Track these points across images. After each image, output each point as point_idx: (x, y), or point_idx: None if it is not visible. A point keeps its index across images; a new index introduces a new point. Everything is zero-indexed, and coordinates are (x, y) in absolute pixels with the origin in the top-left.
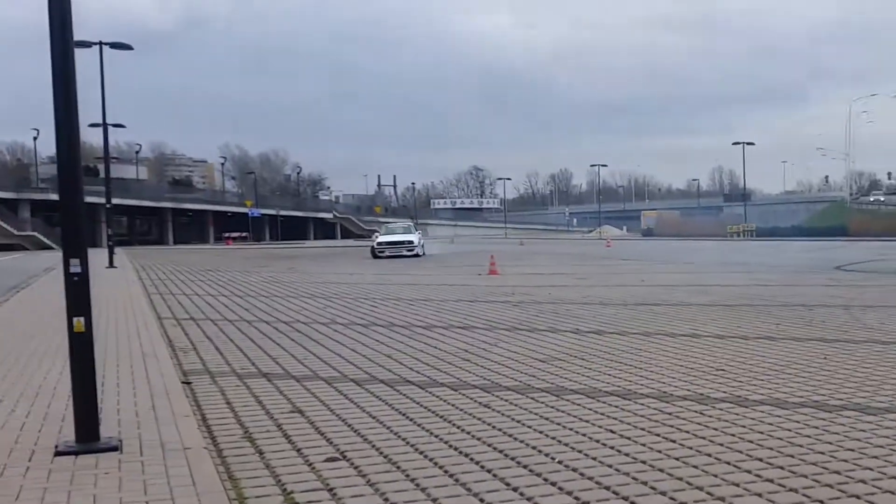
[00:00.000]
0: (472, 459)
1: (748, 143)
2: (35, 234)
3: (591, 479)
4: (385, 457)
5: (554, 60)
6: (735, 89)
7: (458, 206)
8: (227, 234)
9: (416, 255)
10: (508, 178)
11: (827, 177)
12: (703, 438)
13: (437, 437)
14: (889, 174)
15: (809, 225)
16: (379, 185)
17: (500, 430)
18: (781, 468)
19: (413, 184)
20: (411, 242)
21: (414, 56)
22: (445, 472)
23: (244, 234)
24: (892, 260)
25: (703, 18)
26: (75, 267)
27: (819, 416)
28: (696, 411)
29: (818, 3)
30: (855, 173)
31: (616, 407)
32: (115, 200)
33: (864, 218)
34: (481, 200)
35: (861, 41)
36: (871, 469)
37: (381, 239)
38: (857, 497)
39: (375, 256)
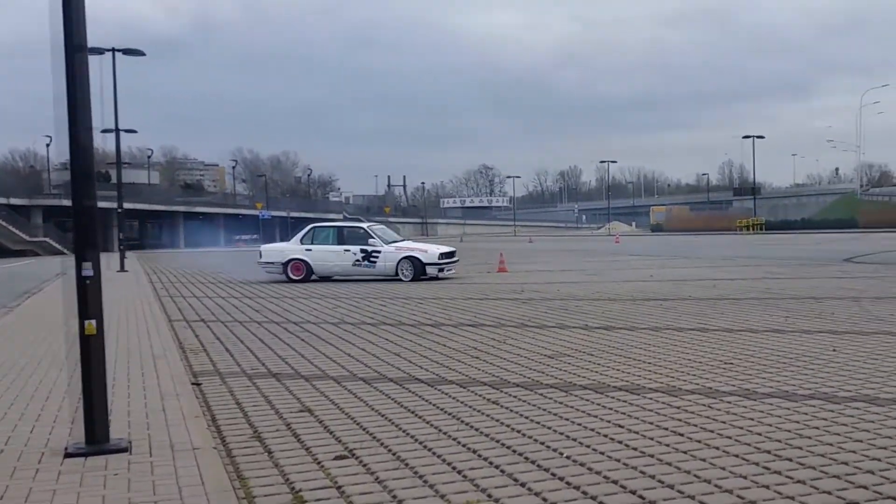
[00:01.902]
0: (480, 456)
1: (758, 137)
2: (47, 239)
3: (598, 473)
4: (394, 454)
5: (562, 58)
6: (744, 83)
7: (467, 204)
8: (237, 237)
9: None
10: (517, 177)
11: (837, 169)
12: (711, 432)
13: (445, 433)
14: None
15: (819, 218)
16: (389, 186)
17: (508, 426)
18: (790, 460)
19: (423, 183)
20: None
21: (422, 56)
22: (454, 468)
23: (255, 237)
24: None
25: (710, 13)
26: (87, 270)
27: (827, 409)
28: (704, 405)
29: None
30: (865, 165)
31: (624, 402)
32: (126, 205)
33: (875, 210)
34: (490, 199)
35: (868, 33)
36: (878, 460)
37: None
38: (865, 488)
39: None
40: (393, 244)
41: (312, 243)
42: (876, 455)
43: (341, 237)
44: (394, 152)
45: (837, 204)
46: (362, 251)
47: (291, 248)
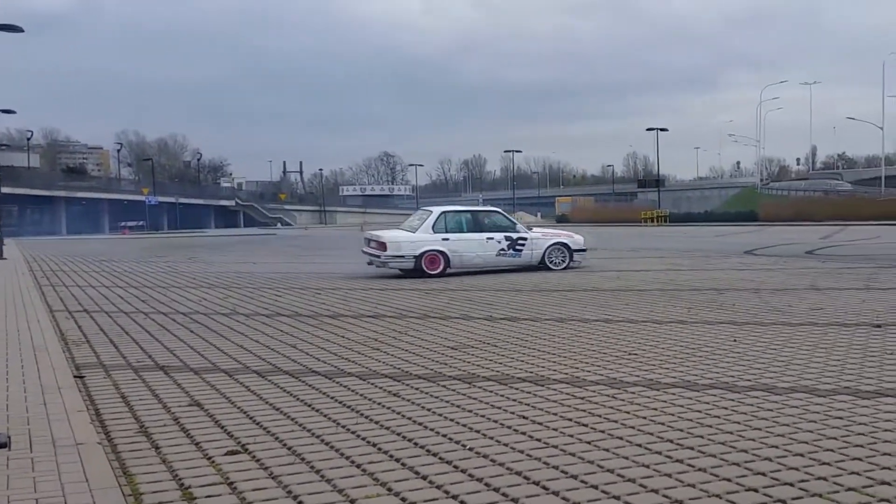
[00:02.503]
0: (380, 449)
1: (661, 129)
2: None
3: (502, 465)
4: (289, 449)
5: (466, 45)
6: (649, 75)
7: (367, 192)
8: (123, 224)
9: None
10: (420, 165)
11: (738, 163)
12: (615, 422)
13: (343, 427)
14: (798, 160)
15: (721, 210)
16: (284, 172)
17: (409, 418)
18: (691, 448)
19: (321, 170)
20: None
21: (322, 40)
22: (352, 462)
23: (141, 223)
24: (799, 244)
25: (618, 3)
26: None
27: (728, 398)
28: (608, 395)
29: None
30: (765, 160)
31: (528, 393)
32: (3, 189)
33: (774, 204)
34: (392, 187)
35: (771, 28)
36: (776, 447)
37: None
38: (763, 475)
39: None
40: (537, 230)
41: (446, 231)
42: (774, 443)
43: (479, 223)
44: (291, 137)
45: (739, 197)
46: (507, 238)
47: (424, 238)
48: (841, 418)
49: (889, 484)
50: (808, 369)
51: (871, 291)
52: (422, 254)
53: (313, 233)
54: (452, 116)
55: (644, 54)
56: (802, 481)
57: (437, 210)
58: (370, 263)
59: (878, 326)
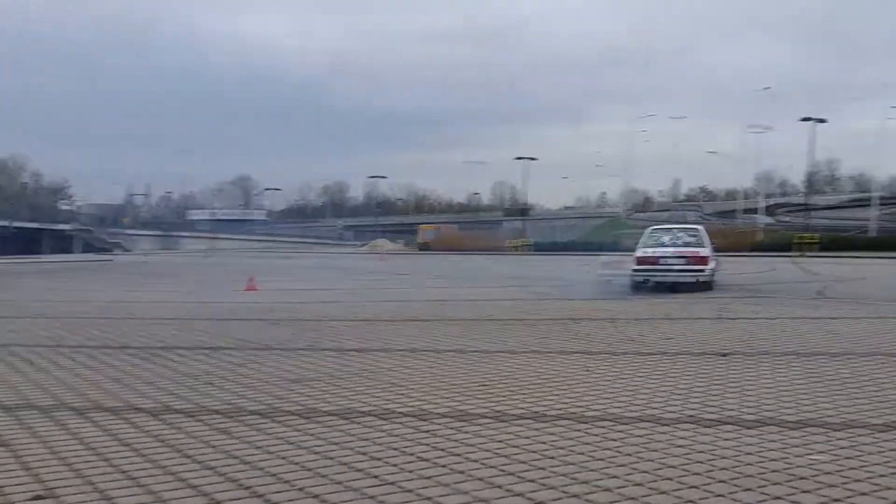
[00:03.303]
0: (201, 492)
1: (530, 159)
2: None
3: None
4: (101, 492)
5: (331, 69)
6: (519, 104)
7: (219, 216)
8: None
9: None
10: (278, 189)
11: (604, 193)
12: (458, 455)
13: (163, 468)
14: (660, 191)
15: (586, 240)
16: (129, 195)
17: (237, 458)
18: (533, 481)
19: (169, 192)
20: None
21: (176, 57)
22: None
23: None
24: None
25: (487, 34)
26: None
27: (575, 428)
28: (454, 428)
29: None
30: (630, 190)
31: (371, 427)
32: None
33: (638, 233)
34: (246, 211)
35: (642, 65)
36: (617, 477)
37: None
38: None
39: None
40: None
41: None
42: (615, 473)
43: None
44: (142, 160)
45: (604, 227)
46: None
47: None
48: (682, 447)
49: None
50: (655, 398)
51: (722, 321)
52: None
53: (153, 259)
54: (318, 142)
55: (515, 84)
56: None
57: (650, 229)
58: (643, 284)
59: (724, 356)
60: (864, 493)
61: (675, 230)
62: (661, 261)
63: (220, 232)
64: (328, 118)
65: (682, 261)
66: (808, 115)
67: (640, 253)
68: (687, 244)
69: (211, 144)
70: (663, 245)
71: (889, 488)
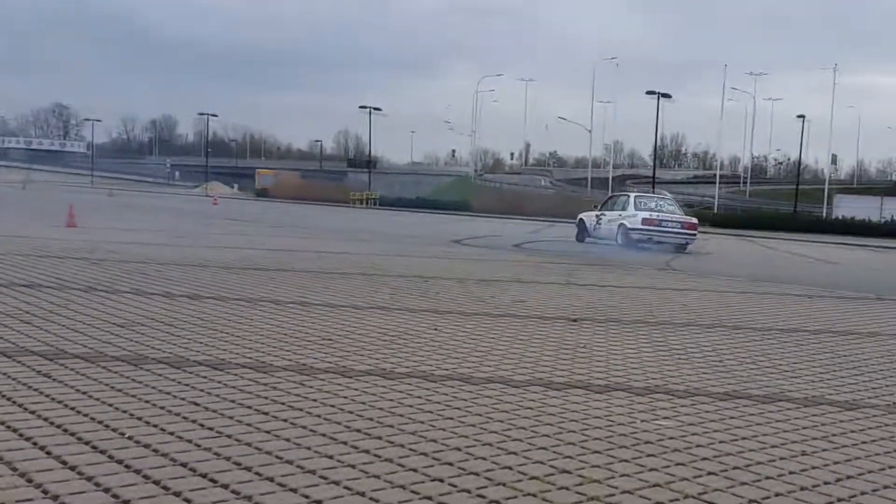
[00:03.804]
0: (23, 436)
1: (375, 109)
2: None
3: (165, 455)
4: None
5: None
6: (359, 53)
7: (34, 146)
8: None
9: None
10: (98, 120)
11: (454, 151)
12: (300, 410)
13: None
14: (512, 154)
15: (434, 198)
16: None
17: (61, 402)
18: (379, 438)
19: None
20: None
21: None
22: None
23: None
24: (506, 236)
25: None
26: None
27: (423, 387)
28: (295, 382)
29: None
30: (480, 150)
31: (205, 378)
32: None
33: (487, 195)
34: (64, 142)
35: (491, 21)
36: (466, 437)
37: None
38: (450, 464)
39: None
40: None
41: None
42: (464, 432)
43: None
44: None
45: (453, 186)
46: None
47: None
48: (531, 409)
49: (569, 472)
50: (505, 360)
51: (570, 287)
52: None
53: None
54: (140, 71)
55: (363, 30)
56: (488, 471)
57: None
58: (645, 243)
59: (575, 321)
60: (705, 458)
61: (657, 198)
62: (664, 223)
63: (36, 163)
64: (152, 47)
65: (680, 225)
66: (652, 89)
67: (644, 215)
68: (675, 212)
69: (23, 63)
70: (661, 210)
71: (728, 454)
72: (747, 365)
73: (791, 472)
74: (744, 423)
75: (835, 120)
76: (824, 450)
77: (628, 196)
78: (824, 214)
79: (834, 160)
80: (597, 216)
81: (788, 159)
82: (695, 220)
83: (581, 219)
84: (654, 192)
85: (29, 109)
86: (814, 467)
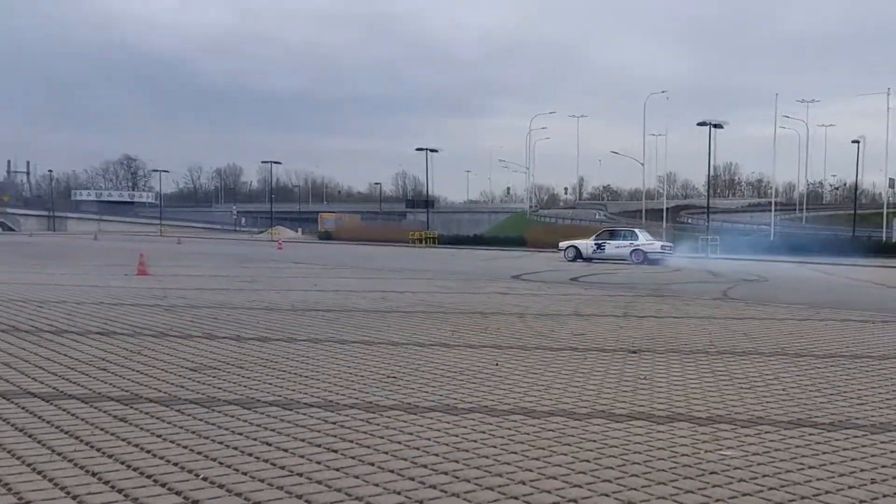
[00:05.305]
0: (101, 479)
1: (432, 150)
2: None
3: (240, 494)
4: None
5: (216, 47)
6: (419, 95)
7: (104, 198)
8: None
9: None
10: (166, 171)
11: (509, 188)
12: (368, 447)
13: (60, 454)
14: (566, 189)
15: (491, 234)
16: (9, 171)
17: (137, 445)
18: (446, 474)
19: (50, 171)
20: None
21: (64, 31)
22: (68, 493)
23: None
24: (563, 271)
25: (375, 19)
26: None
27: (486, 422)
28: (362, 420)
29: (492, 17)
30: (535, 187)
31: (275, 418)
32: None
33: (542, 230)
34: (133, 193)
35: (538, 59)
36: (531, 471)
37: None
38: (516, 498)
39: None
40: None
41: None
42: (529, 466)
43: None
44: (17, 135)
45: (508, 222)
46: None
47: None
48: (594, 440)
49: None
50: (566, 393)
51: (629, 318)
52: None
53: (39, 240)
54: (202, 122)
55: (409, 75)
56: (554, 503)
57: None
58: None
59: (634, 352)
60: (772, 488)
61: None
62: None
63: (107, 214)
64: (216, 100)
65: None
66: (703, 120)
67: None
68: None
69: (93, 121)
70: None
71: (796, 483)
72: (811, 392)
73: (861, 501)
74: (810, 451)
75: (890, 143)
76: (894, 477)
77: (621, 230)
78: (884, 238)
79: (891, 184)
80: (596, 244)
81: (844, 184)
82: (669, 243)
83: (574, 245)
84: (625, 226)
85: (98, 162)
86: (885, 496)
